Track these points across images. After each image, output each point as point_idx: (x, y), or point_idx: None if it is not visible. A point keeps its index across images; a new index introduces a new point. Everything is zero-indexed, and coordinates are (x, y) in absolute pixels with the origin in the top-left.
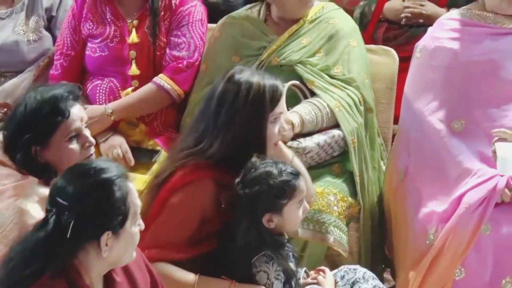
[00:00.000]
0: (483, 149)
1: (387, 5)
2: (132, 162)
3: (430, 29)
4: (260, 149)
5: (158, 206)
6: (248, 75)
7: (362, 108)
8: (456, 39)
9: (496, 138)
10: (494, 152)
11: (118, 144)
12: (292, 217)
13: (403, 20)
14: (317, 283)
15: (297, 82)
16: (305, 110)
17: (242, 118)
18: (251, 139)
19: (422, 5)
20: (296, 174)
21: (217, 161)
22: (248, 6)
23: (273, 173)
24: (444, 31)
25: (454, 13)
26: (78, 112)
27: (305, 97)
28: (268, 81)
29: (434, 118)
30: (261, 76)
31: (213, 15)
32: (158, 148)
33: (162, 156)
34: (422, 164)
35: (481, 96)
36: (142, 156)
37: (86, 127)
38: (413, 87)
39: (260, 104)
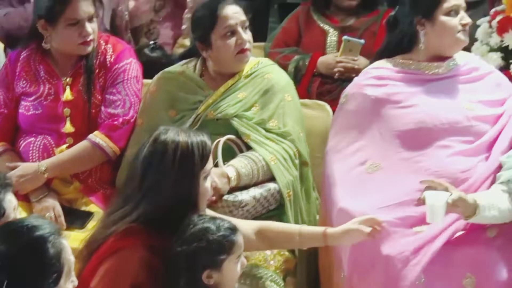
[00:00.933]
0: (399, 191)
1: (321, 59)
2: (64, 227)
3: (355, 77)
4: (193, 207)
5: (89, 275)
6: (174, 134)
7: (297, 161)
8: (377, 86)
9: (426, 186)
10: (423, 200)
11: (51, 206)
12: (231, 273)
13: (336, 74)
14: None
15: (232, 136)
16: (241, 163)
17: (171, 178)
18: (183, 198)
19: (354, 60)
20: (234, 229)
21: (148, 224)
22: (184, 61)
23: (211, 228)
24: (367, 79)
25: (379, 62)
26: (10, 204)
27: (241, 151)
28: (195, 138)
29: (352, 161)
30: (187, 134)
31: (155, 70)
32: (93, 206)
33: (96, 216)
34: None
35: (400, 141)
36: (76, 220)
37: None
38: (335, 131)
39: (189, 163)
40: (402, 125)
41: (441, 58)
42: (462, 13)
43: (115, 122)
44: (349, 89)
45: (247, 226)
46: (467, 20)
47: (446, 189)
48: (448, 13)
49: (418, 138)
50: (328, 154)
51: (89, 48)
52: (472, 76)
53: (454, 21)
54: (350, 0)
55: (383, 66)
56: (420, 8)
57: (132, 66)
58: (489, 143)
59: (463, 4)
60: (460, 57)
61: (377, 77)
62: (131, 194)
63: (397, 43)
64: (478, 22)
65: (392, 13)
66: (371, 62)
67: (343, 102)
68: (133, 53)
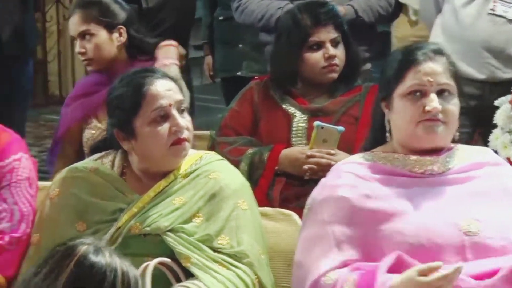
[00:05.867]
0: None
1: (284, 153)
2: None
3: (322, 179)
4: None
5: None
6: (108, 255)
7: None
8: (353, 187)
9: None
10: None
11: None
12: None
13: (307, 173)
14: None
15: (166, 259)
16: None
17: None
18: None
19: (331, 154)
20: None
21: None
22: (98, 155)
23: None
24: (339, 178)
25: (355, 157)
26: None
27: (178, 280)
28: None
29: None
30: (113, 256)
31: None
32: None
33: None
34: None
35: (378, 254)
36: None
37: None
38: (301, 250)
39: None
40: (394, 248)
41: (433, 151)
42: (432, 97)
43: (0, 242)
44: (317, 193)
45: None
46: (435, 105)
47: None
48: (407, 94)
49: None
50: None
51: None
52: (476, 175)
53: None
54: (331, 72)
55: (360, 162)
56: (381, 85)
57: (22, 163)
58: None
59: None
60: (463, 149)
61: (352, 175)
62: None
63: (375, 129)
64: (496, 103)
65: None
66: None
67: (307, 213)
68: (23, 146)
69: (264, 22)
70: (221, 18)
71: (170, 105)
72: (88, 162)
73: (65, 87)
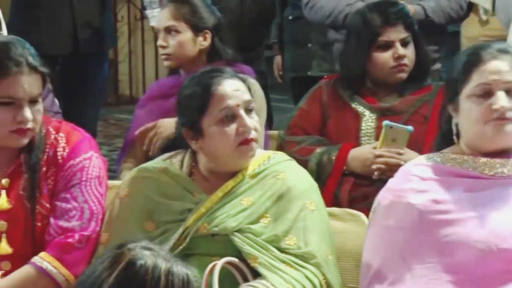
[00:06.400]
0: None
1: (353, 153)
2: None
3: (389, 180)
4: None
5: None
6: (154, 259)
7: None
8: (420, 192)
9: None
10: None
11: None
12: None
13: (375, 173)
14: None
15: (234, 259)
16: None
17: None
18: None
19: (400, 154)
20: None
21: None
22: (167, 154)
23: None
24: (406, 182)
25: (423, 158)
26: None
27: (245, 280)
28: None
29: None
30: (167, 259)
31: None
32: None
33: None
34: None
35: (447, 266)
36: None
37: None
38: (368, 257)
39: None
40: (463, 254)
41: (502, 153)
42: (499, 95)
43: (69, 240)
44: (380, 196)
45: None
46: (502, 103)
47: None
48: (473, 95)
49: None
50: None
51: (25, 140)
52: None
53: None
54: (400, 72)
55: (428, 164)
56: (447, 88)
57: (92, 162)
58: None
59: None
60: None
61: (420, 179)
62: None
63: (443, 133)
64: None
65: None
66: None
67: (373, 216)
68: (94, 145)
69: (332, 19)
70: (290, 17)
71: (238, 105)
72: (158, 162)
73: (135, 87)
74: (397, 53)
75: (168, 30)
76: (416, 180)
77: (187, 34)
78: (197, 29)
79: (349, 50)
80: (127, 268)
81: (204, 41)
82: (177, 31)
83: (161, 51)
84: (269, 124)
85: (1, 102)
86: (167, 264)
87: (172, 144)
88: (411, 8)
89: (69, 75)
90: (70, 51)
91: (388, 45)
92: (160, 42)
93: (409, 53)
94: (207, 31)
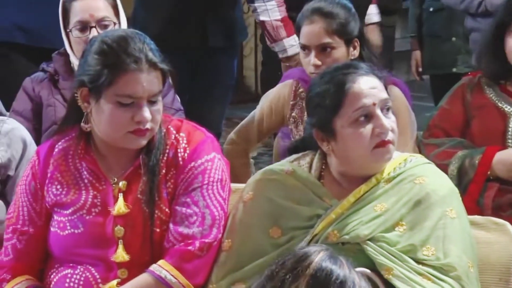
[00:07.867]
0: None
1: (498, 157)
2: None
3: None
4: None
5: None
6: (345, 265)
7: None
8: None
9: None
10: None
11: None
12: None
13: None
14: None
15: (366, 270)
16: None
17: None
18: None
19: None
20: None
21: None
22: (295, 156)
23: None
24: None
25: None
26: None
27: None
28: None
29: None
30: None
31: None
32: None
33: None
34: None
35: None
36: None
37: None
38: None
39: None
40: None
41: None
42: None
43: (190, 248)
44: None
45: None
46: None
47: None
48: None
49: None
50: None
51: (143, 141)
52: None
53: None
54: None
55: None
56: None
57: (215, 164)
58: None
59: None
60: None
61: None
62: None
63: None
64: None
65: None
66: None
67: None
68: (217, 145)
69: (466, 4)
70: (431, 9)
71: (374, 104)
72: (285, 164)
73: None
74: None
75: (324, 47)
76: None
77: (341, 49)
78: (349, 41)
79: (485, 39)
80: (317, 271)
81: (354, 51)
82: (333, 47)
83: (313, 70)
84: None
85: (118, 101)
86: (356, 273)
87: (301, 145)
88: None
89: (196, 70)
90: (198, 45)
91: None
92: (315, 61)
93: None
94: (355, 39)
